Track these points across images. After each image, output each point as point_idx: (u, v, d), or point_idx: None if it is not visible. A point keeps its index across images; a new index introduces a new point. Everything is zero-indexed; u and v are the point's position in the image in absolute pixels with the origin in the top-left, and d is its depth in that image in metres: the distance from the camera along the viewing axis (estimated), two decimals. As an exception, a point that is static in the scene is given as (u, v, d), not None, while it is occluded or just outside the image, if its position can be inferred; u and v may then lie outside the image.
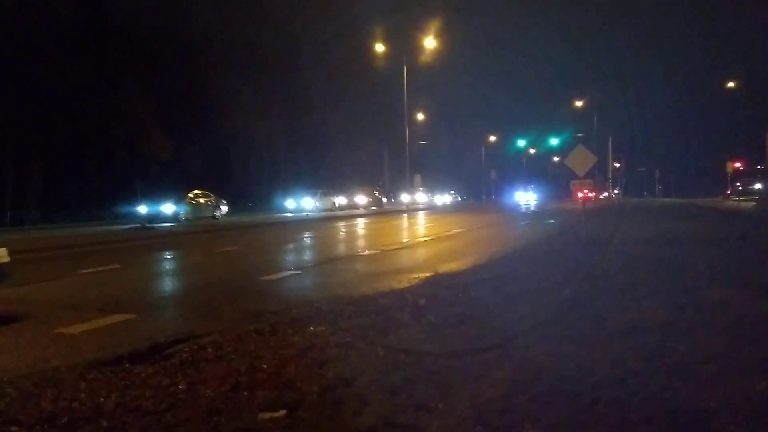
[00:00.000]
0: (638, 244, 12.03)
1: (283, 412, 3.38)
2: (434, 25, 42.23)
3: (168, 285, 9.91)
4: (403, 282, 8.34)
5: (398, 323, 5.49)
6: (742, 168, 49.23)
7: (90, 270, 11.01)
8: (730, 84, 54.08)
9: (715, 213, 26.67)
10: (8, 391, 3.86)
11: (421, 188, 55.74)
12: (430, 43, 43.03)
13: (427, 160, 64.92)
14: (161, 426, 3.25)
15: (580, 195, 19.11)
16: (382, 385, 3.76)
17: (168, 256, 14.25)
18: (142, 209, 29.04)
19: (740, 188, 44.91)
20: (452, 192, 75.97)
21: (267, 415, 3.36)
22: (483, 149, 78.81)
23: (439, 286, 7.66)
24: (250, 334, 5.20)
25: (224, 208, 33.48)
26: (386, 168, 57.55)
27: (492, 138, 79.66)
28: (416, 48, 45.09)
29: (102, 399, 3.68)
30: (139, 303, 7.41)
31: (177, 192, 31.40)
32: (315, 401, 3.54)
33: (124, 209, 30.61)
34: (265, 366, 4.29)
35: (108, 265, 11.49)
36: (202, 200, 32.37)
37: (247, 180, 42.97)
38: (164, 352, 4.77)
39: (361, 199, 49.38)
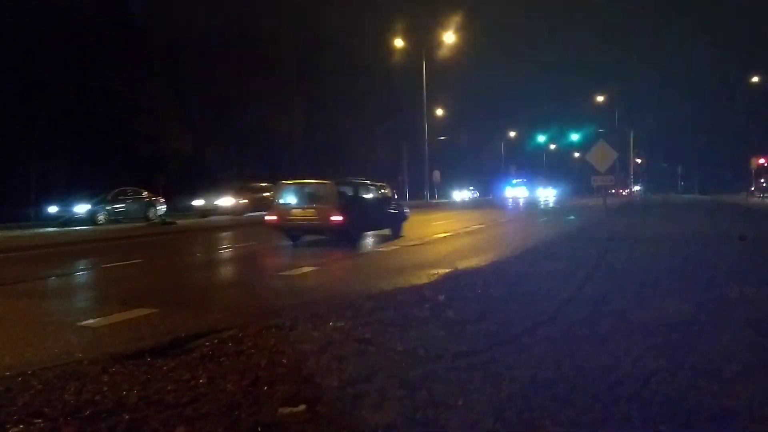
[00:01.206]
0: (660, 241, 11.92)
1: (302, 406, 3.38)
2: (454, 20, 42.09)
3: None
4: (422, 278, 8.34)
5: (417, 319, 5.49)
6: (766, 164, 48.49)
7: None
8: (755, 79, 53.28)
9: (738, 210, 26.30)
10: (33, 383, 3.92)
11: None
12: (449, 38, 42.92)
13: (446, 156, 64.73)
14: (182, 420, 3.27)
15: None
16: (402, 381, 3.75)
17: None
18: (53, 209, 26.13)
19: (765, 185, 44.23)
20: (471, 188, 75.74)
21: (287, 409, 3.36)
22: (503, 145, 78.43)
23: (459, 282, 7.63)
24: (270, 329, 5.21)
25: (161, 208, 29.03)
26: (405, 164, 57.45)
27: (512, 133, 79.25)
28: (436, 43, 45.00)
29: (124, 392, 3.71)
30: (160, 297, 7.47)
31: (199, 186, 31.45)
32: (334, 396, 3.55)
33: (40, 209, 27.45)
34: (284, 361, 4.30)
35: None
36: (130, 199, 28.06)
37: (264, 175, 43.14)
38: (185, 346, 4.81)
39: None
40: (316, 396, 3.54)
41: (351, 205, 14.47)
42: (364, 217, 15.06)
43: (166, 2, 39.18)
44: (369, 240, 15.32)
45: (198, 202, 32.69)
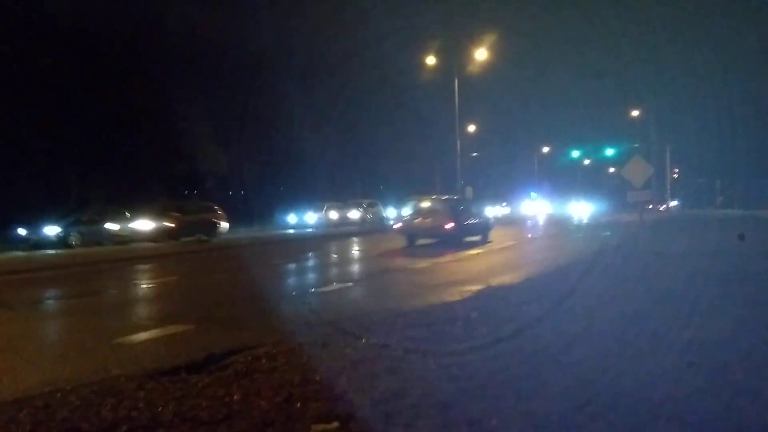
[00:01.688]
0: (699, 257, 11.66)
1: (335, 424, 3.38)
2: (487, 37, 42.08)
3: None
4: (454, 295, 8.28)
5: (450, 337, 5.45)
6: None
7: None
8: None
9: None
10: (71, 399, 3.98)
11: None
12: (481, 54, 42.87)
13: (478, 172, 64.48)
14: (216, 436, 3.30)
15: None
16: (435, 399, 3.73)
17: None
18: (22, 231, 25.00)
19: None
20: (504, 203, 75.10)
21: (320, 426, 3.36)
22: (536, 160, 77.79)
23: (492, 299, 7.57)
24: (303, 345, 5.23)
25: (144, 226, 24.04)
26: (438, 180, 57.39)
27: (545, 149, 78.57)
28: (468, 59, 44.98)
29: (159, 408, 3.74)
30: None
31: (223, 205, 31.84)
32: (367, 414, 3.53)
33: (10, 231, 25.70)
34: (317, 378, 4.30)
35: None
36: (108, 219, 24.52)
37: (296, 193, 43.49)
38: (220, 362, 4.84)
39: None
40: (349, 413, 3.53)
41: (458, 216, 18.91)
42: (465, 225, 19.31)
43: (202, 23, 40.03)
44: (416, 249, 15.36)
45: (112, 227, 24.81)
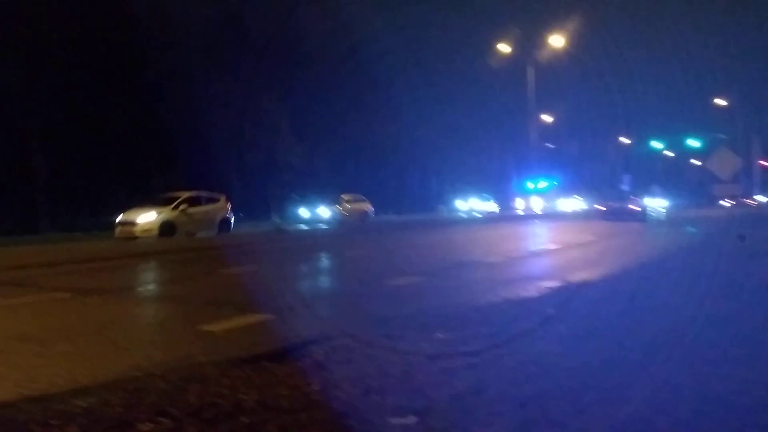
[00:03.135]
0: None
1: (413, 418, 3.40)
2: (565, 25, 41.09)
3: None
4: (530, 290, 8.14)
5: (527, 333, 5.39)
6: None
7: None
8: None
9: None
10: (159, 384, 4.16)
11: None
12: (558, 41, 41.84)
13: (553, 164, 63.08)
14: (297, 425, 3.37)
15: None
16: (512, 397, 3.70)
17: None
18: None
19: None
20: (578, 197, 73.02)
21: (397, 420, 3.39)
22: (615, 152, 75.32)
23: (570, 296, 7.43)
24: (379, 338, 5.28)
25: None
26: (513, 173, 56.61)
27: (625, 140, 75.93)
28: (544, 48, 44.07)
29: (242, 396, 3.86)
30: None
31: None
32: (444, 409, 3.54)
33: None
34: (393, 371, 4.34)
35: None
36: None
37: (372, 184, 43.82)
38: (299, 352, 4.95)
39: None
40: (426, 408, 3.54)
41: (641, 202, 31.99)
42: (644, 209, 31.09)
43: (278, 15, 40.60)
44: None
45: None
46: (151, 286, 10.40)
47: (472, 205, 48.85)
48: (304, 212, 29.32)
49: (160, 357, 5.06)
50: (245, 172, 37.36)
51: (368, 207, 37.40)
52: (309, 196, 35.33)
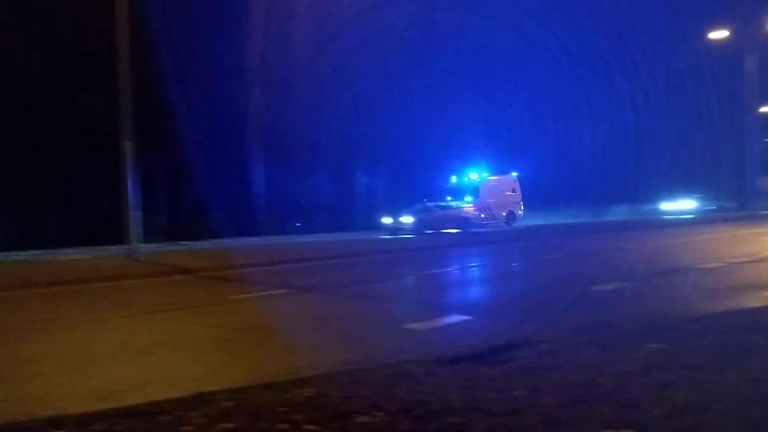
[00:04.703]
0: None
1: (628, 432, 3.23)
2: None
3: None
4: (755, 300, 7.37)
5: (755, 347, 4.87)
6: None
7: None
8: None
9: None
10: (370, 378, 4.38)
11: None
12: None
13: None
14: (506, 429, 3.35)
15: None
16: (742, 419, 3.35)
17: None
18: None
19: None
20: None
21: (611, 433, 3.25)
22: None
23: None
24: (584, 345, 5.10)
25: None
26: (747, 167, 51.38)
27: None
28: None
29: (448, 396, 3.94)
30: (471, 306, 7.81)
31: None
32: (664, 425, 3.32)
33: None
34: (602, 381, 4.16)
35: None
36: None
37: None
38: (502, 355, 4.94)
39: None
40: (643, 423, 3.34)
41: None
42: None
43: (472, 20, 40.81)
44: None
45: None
46: (359, 286, 10.98)
47: (678, 205, 46.16)
48: None
49: (370, 354, 5.33)
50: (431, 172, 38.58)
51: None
52: None
